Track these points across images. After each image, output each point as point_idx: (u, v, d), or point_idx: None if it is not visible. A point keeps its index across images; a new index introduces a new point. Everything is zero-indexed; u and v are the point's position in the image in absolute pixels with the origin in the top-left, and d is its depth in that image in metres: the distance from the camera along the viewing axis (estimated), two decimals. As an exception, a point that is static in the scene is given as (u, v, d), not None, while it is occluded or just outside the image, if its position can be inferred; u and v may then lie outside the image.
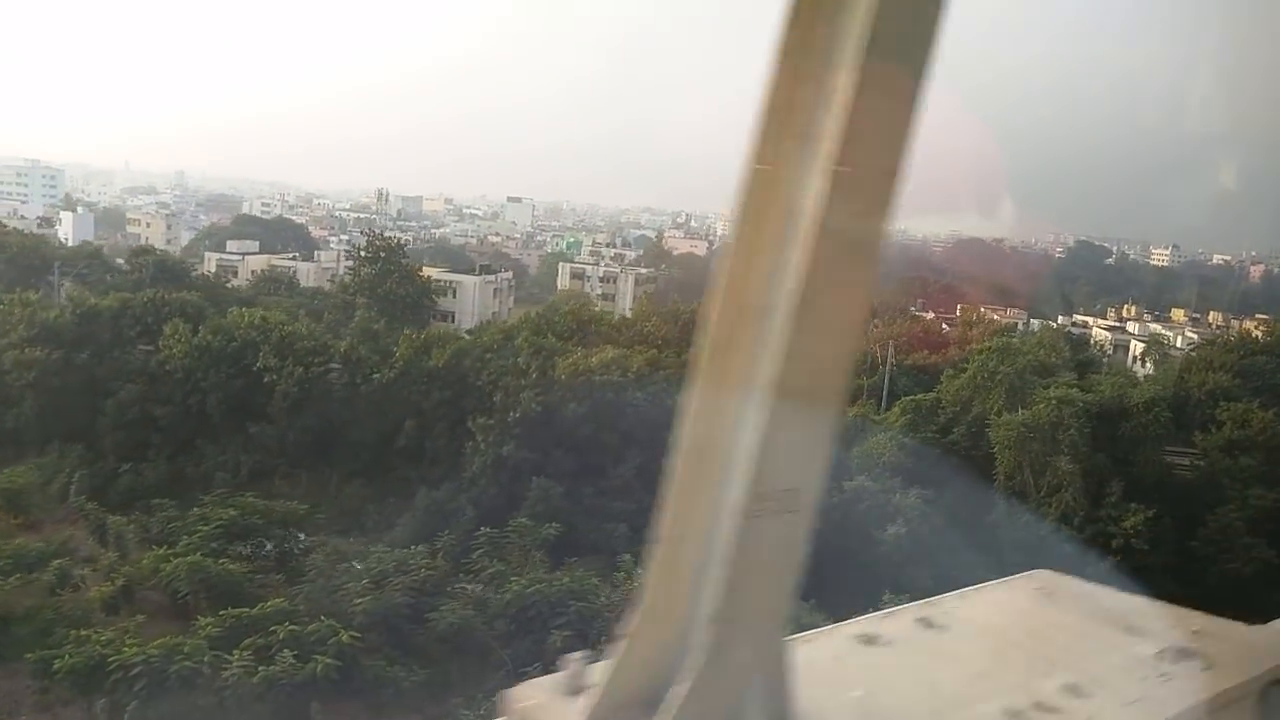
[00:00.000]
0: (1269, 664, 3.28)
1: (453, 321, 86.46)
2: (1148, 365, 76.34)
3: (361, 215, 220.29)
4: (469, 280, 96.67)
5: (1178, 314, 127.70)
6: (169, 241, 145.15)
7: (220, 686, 21.88)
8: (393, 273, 68.78)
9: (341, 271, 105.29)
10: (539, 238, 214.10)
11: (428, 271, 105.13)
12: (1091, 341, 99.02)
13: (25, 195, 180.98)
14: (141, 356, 49.69)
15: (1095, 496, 44.15)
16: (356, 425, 49.14)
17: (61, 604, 27.36)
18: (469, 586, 30.61)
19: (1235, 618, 3.77)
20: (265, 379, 47.21)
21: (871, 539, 44.19)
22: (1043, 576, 4.15)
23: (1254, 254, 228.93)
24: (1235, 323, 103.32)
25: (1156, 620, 3.49)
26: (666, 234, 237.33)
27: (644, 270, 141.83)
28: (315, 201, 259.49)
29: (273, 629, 23.71)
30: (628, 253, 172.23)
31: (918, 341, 70.17)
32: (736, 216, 2.28)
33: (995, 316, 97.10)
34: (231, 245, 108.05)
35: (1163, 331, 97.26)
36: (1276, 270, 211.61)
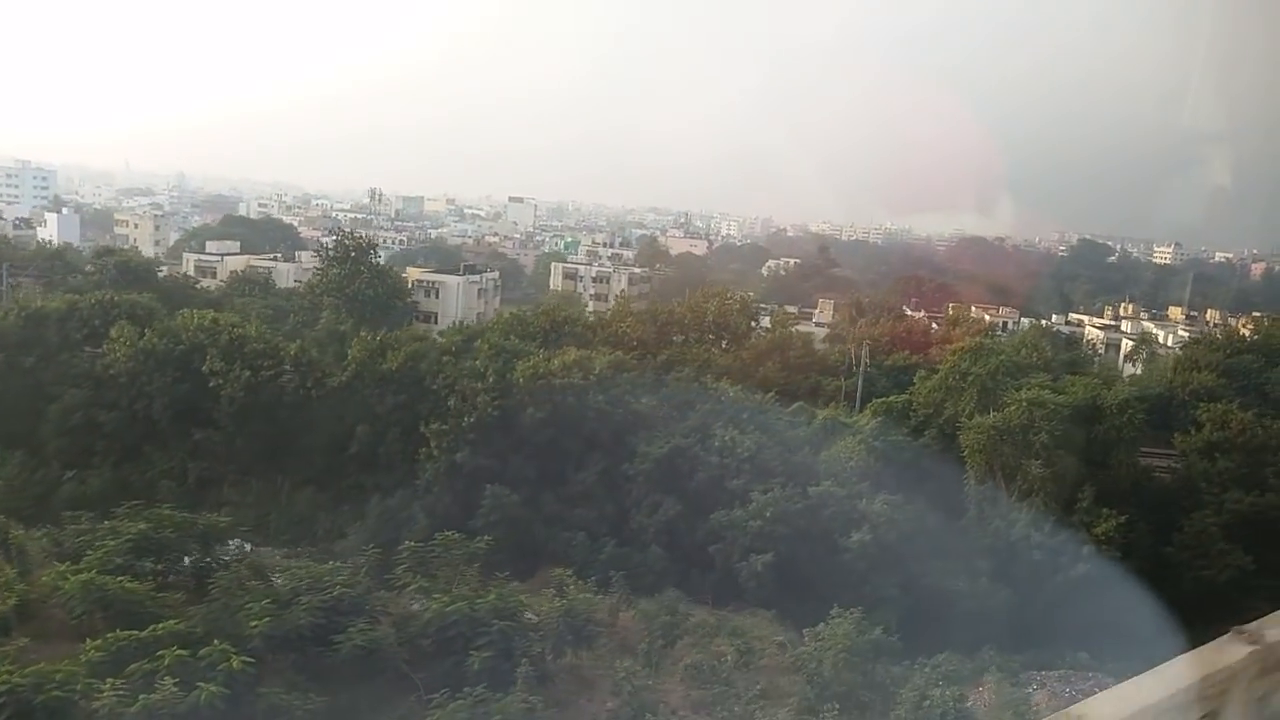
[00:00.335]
0: None
1: (435, 322, 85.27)
2: (1136, 365, 74.75)
3: (359, 216, 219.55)
4: (452, 280, 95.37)
5: (1175, 312, 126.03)
6: (157, 243, 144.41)
7: (92, 718, 20.43)
8: (362, 273, 67.39)
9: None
10: (539, 238, 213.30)
11: (412, 272, 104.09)
12: (1084, 340, 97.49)
13: (16, 196, 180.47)
14: (88, 360, 48.39)
15: (1067, 501, 42.60)
16: (308, 431, 47.76)
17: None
18: (391, 604, 29.10)
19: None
20: (211, 383, 45.83)
21: (835, 546, 42.68)
22: None
23: (1255, 251, 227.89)
24: (1232, 320, 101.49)
25: None
26: (668, 233, 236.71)
27: (637, 270, 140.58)
28: (314, 202, 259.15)
29: (160, 653, 22.23)
30: (626, 253, 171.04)
31: (901, 341, 68.67)
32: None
33: (986, 316, 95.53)
34: (211, 246, 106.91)
35: (1155, 330, 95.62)
36: (1278, 268, 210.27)
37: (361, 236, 73.30)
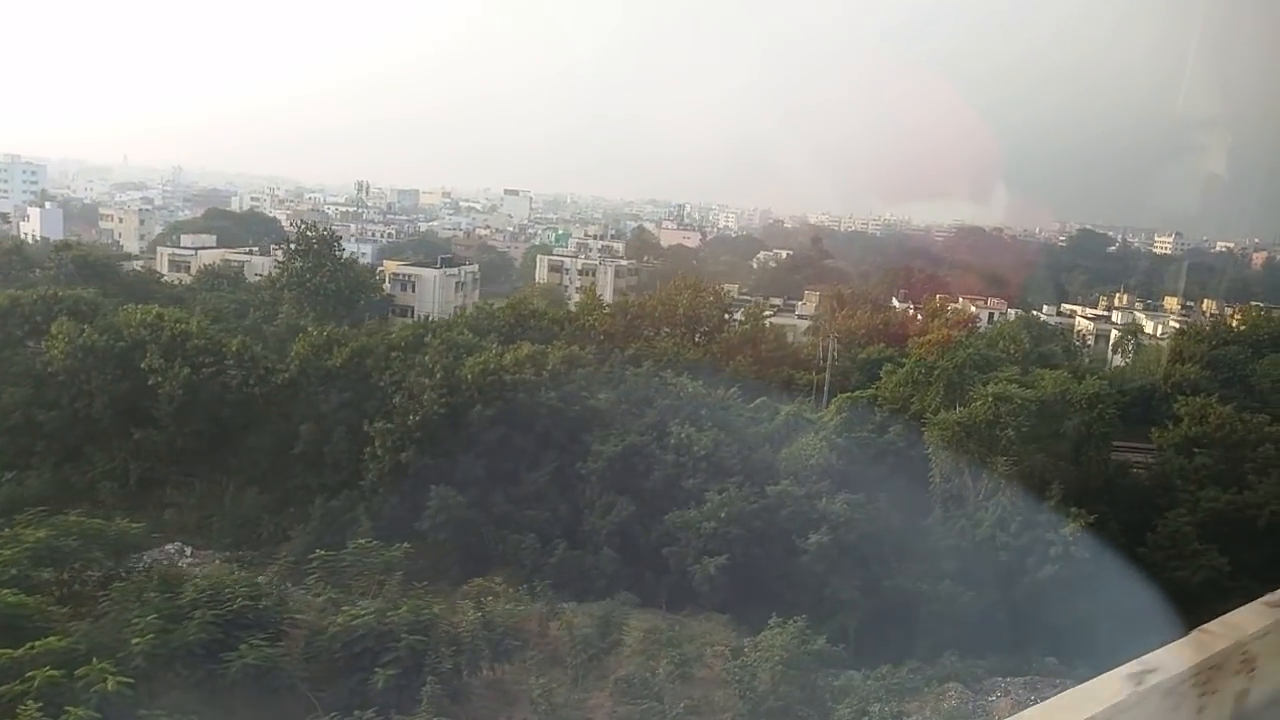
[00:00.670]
0: None
1: (412, 316, 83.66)
2: (1123, 356, 72.90)
3: (351, 209, 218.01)
4: (428, 274, 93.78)
5: (1171, 302, 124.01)
6: (142, 237, 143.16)
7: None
8: (325, 266, 65.71)
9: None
10: (531, 230, 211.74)
11: (389, 265, 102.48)
12: (1075, 332, 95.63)
13: (5, 191, 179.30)
14: (28, 357, 46.86)
15: (1036, 500, 40.88)
16: (253, 430, 46.29)
17: None
18: (302, 616, 27.47)
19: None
20: (150, 381, 44.26)
21: (792, 549, 41.06)
22: None
23: (1257, 240, 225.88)
24: (1230, 311, 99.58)
25: None
26: (662, 225, 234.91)
27: (624, 262, 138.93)
28: (307, 196, 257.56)
29: (31, 674, 20.65)
30: (617, 245, 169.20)
31: (878, 334, 66.88)
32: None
33: (973, 307, 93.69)
34: (186, 240, 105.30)
35: (1145, 321, 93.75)
36: (1279, 257, 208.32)
37: (326, 229, 71.36)
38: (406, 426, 43.36)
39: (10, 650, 22.03)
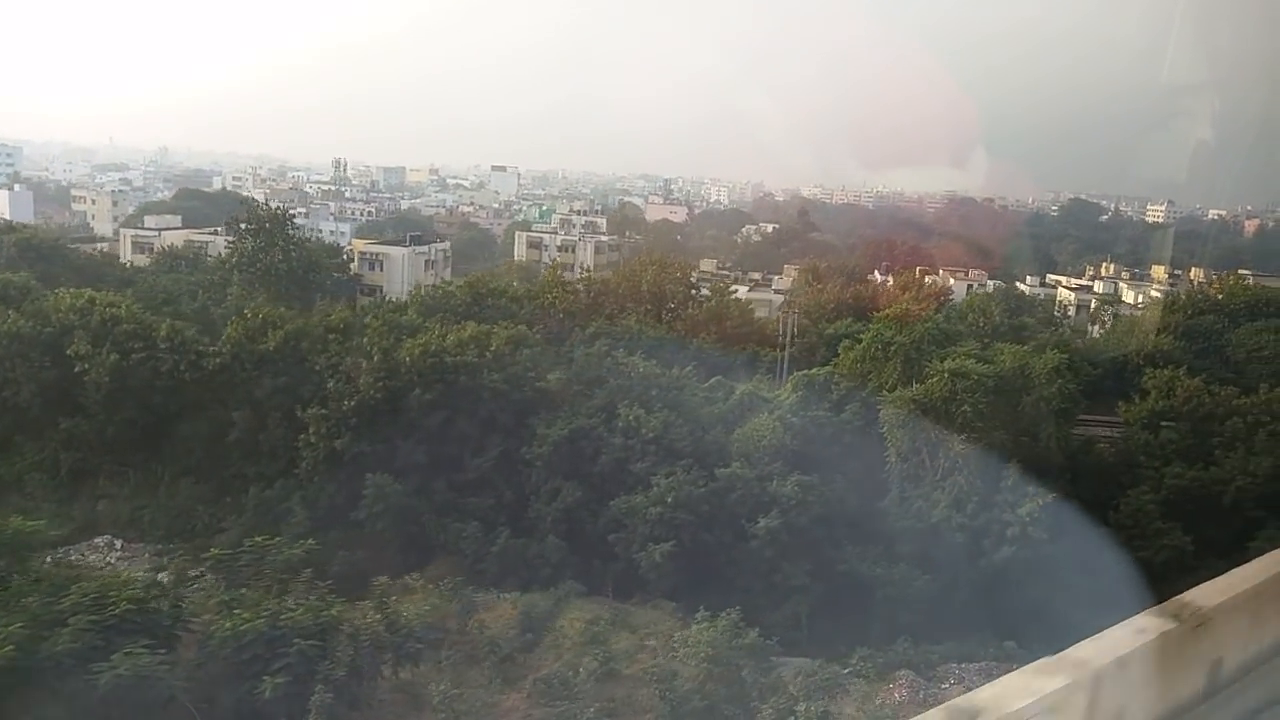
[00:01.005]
0: None
1: (380, 295, 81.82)
2: (1100, 327, 71.19)
3: (333, 188, 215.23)
4: (396, 252, 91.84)
5: (1158, 271, 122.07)
6: (116, 219, 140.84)
7: None
8: (277, 246, 63.83)
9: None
10: (516, 206, 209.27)
11: (357, 244, 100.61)
12: (1056, 302, 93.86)
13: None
14: (-46, 346, 45.11)
15: (994, 479, 39.36)
16: (186, 417, 44.71)
17: None
18: (196, 620, 25.90)
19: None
20: (77, 368, 42.60)
21: (743, 533, 39.57)
22: None
23: (1249, 208, 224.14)
24: (1214, 279, 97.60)
25: None
26: (649, 200, 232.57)
27: (604, 238, 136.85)
28: (290, 174, 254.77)
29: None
30: (602, 220, 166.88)
31: (848, 308, 65.12)
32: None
33: (951, 279, 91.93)
34: (150, 221, 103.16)
35: (1126, 290, 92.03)
36: (1270, 224, 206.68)
37: (277, 209, 69.36)
38: (342, 412, 41.77)
39: None
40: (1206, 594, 3.82)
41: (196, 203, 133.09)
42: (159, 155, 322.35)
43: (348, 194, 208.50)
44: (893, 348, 43.43)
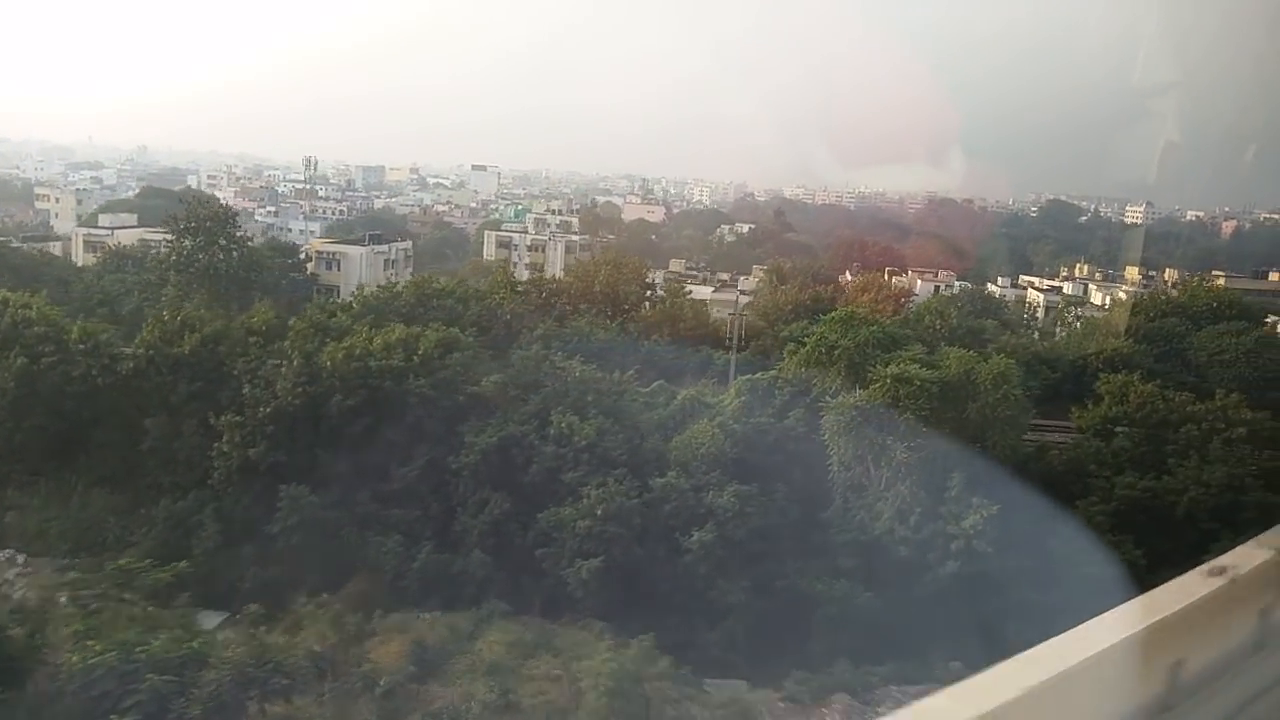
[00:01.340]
0: None
1: (337, 296, 79.77)
2: (1064, 329, 69.67)
3: (306, 186, 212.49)
4: (354, 251, 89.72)
5: (1132, 272, 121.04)
6: (79, 217, 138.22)
7: None
8: (218, 245, 61.81)
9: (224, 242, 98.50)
10: (493, 205, 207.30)
11: (314, 243, 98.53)
12: (1026, 304, 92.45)
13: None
14: None
15: (938, 490, 37.70)
16: (101, 424, 42.65)
17: None
18: (51, 652, 23.93)
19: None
20: (-21, 373, 40.56)
21: (675, 548, 37.79)
22: None
23: (1227, 209, 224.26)
24: (1187, 280, 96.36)
25: None
26: (626, 199, 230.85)
27: (575, 237, 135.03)
28: (266, 173, 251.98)
29: None
30: (576, 220, 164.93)
31: (806, 310, 63.39)
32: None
33: (919, 281, 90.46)
34: (105, 219, 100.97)
35: (1095, 291, 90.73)
36: (1247, 226, 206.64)
37: (220, 206, 67.27)
38: (258, 419, 39.85)
39: None
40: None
41: (160, 201, 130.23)
42: (137, 154, 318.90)
43: (322, 193, 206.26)
44: (836, 351, 41.72)
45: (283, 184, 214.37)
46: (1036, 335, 73.83)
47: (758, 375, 44.91)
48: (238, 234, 65.11)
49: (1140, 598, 3.71)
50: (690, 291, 69.47)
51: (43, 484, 42.56)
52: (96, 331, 42.81)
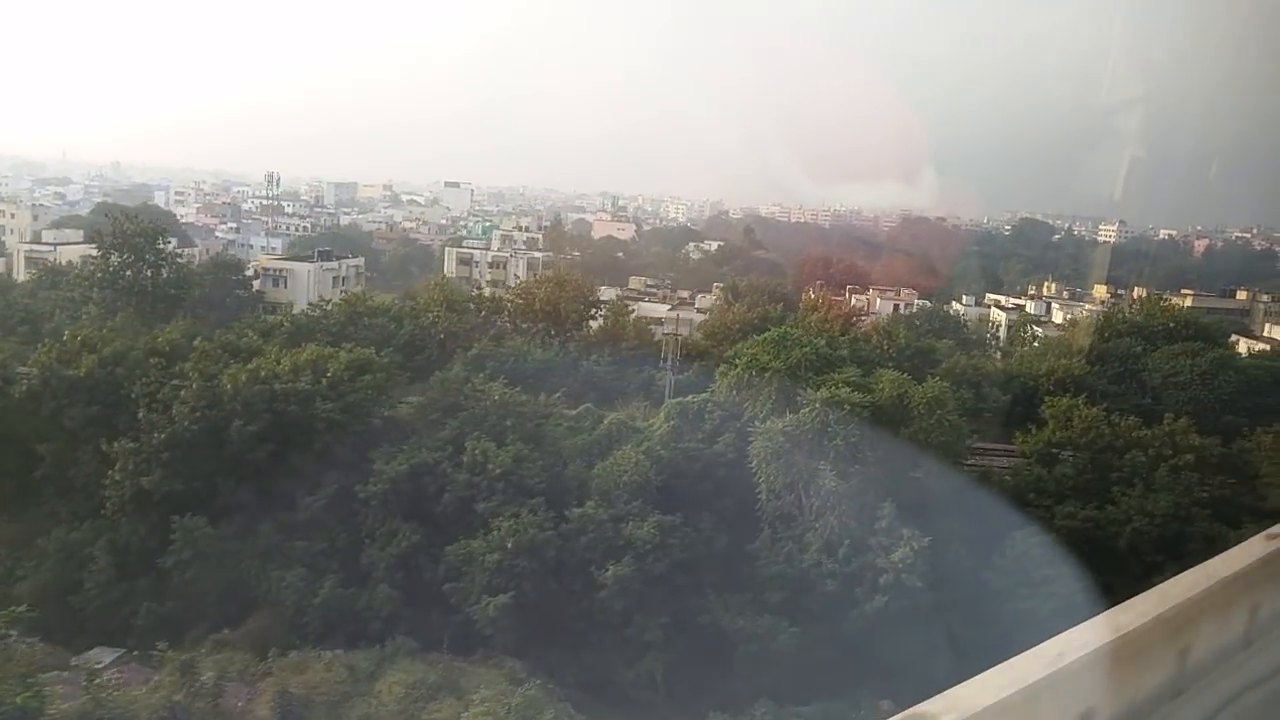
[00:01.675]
0: None
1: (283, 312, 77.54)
2: (1019, 349, 67.99)
3: (273, 203, 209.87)
4: (301, 268, 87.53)
5: (1100, 290, 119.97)
6: (37, 234, 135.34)
7: None
8: (146, 261, 59.54)
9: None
10: (463, 222, 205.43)
11: (262, 259, 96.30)
12: (989, 323, 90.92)
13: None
14: None
15: (868, 520, 35.75)
16: (-6, 450, 40.22)
17: None
18: None
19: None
20: None
21: (591, 582, 35.71)
22: None
23: (1199, 228, 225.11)
24: (1150, 298, 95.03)
25: None
26: (597, 216, 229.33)
27: (538, 254, 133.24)
28: (234, 189, 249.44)
29: None
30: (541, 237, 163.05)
31: (754, 328, 61.42)
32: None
33: (879, 299, 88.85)
34: (49, 236, 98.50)
35: (1057, 310, 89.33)
36: (1219, 245, 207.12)
37: (146, 222, 65.00)
38: (153, 445, 37.56)
39: None
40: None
41: (139, 218, 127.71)
42: (109, 170, 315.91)
43: (289, 209, 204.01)
44: (768, 373, 39.80)
45: (250, 201, 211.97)
46: (999, 355, 72.25)
47: (689, 398, 42.93)
48: (166, 250, 62.70)
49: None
50: (634, 310, 67.48)
51: (-70, 514, 40.20)
52: (-13, 352, 40.49)
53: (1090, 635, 3.33)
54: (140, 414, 37.99)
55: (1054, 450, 40.64)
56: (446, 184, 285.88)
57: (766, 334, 45.09)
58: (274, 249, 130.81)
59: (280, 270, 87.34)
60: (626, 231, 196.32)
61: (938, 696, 2.86)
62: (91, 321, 54.59)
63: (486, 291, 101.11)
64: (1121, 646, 3.36)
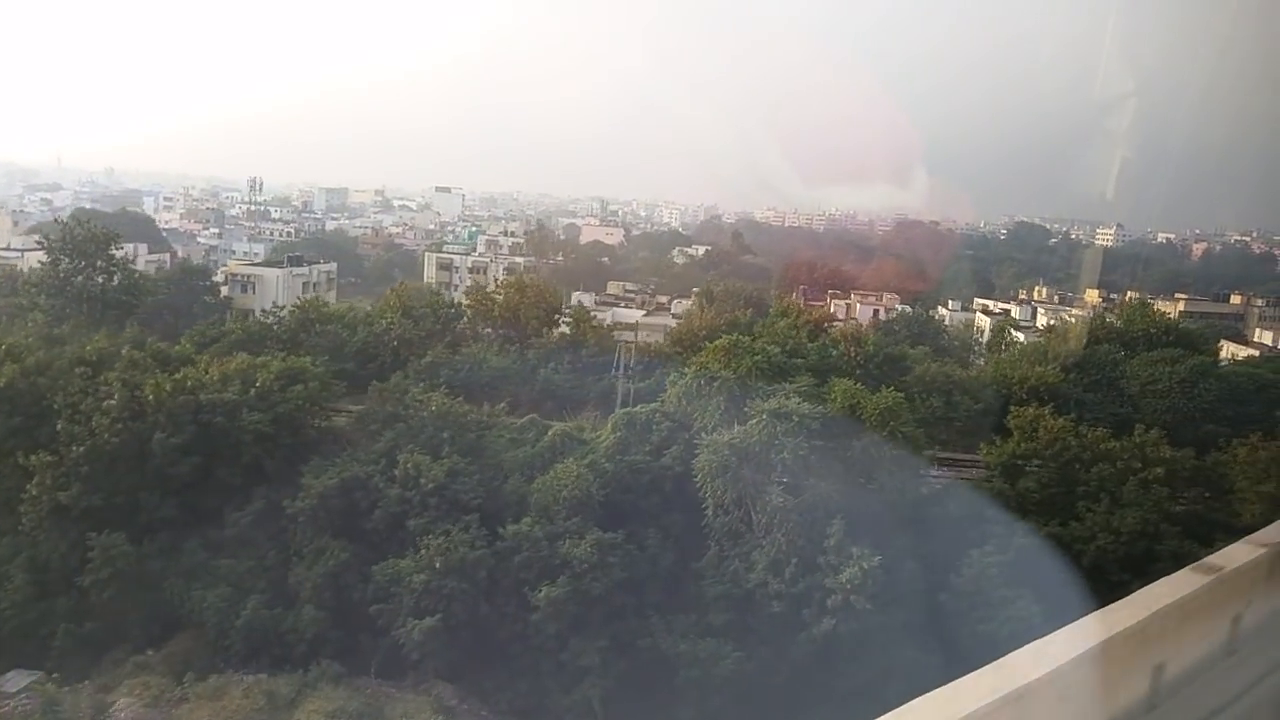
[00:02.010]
0: None
1: (251, 319, 75.77)
2: (993, 355, 65.98)
3: (259, 208, 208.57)
4: (270, 273, 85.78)
5: (1091, 295, 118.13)
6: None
7: None
8: (95, 267, 57.79)
9: (141, 265, 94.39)
10: (451, 228, 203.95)
11: (231, 264, 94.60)
12: (974, 328, 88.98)
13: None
14: None
15: (817, 538, 33.89)
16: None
17: None
18: None
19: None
20: None
21: (523, 603, 33.88)
22: None
23: (1197, 232, 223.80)
24: (1131, 302, 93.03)
25: None
26: (586, 221, 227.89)
27: (519, 259, 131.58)
28: (223, 195, 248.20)
29: None
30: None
31: (723, 335, 59.59)
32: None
33: (859, 304, 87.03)
34: (16, 242, 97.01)
35: (1042, 315, 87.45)
36: (1217, 248, 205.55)
37: (98, 228, 63.17)
38: (73, 458, 35.76)
39: None
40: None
41: (91, 223, 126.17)
42: (103, 176, 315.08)
43: (276, 214, 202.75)
44: (717, 383, 37.97)
45: (237, 206, 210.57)
46: (982, 361, 70.32)
47: (638, 408, 41.11)
48: (118, 256, 60.89)
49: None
50: (608, 316, 65.64)
51: None
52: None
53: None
54: (60, 425, 36.15)
55: (1019, 463, 38.76)
56: (438, 189, 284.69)
57: (717, 342, 43.26)
58: (256, 254, 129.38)
59: (249, 276, 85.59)
60: (615, 236, 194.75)
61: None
62: (37, 329, 52.80)
63: (461, 298, 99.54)
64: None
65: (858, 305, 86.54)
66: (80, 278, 56.92)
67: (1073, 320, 69.29)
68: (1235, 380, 51.63)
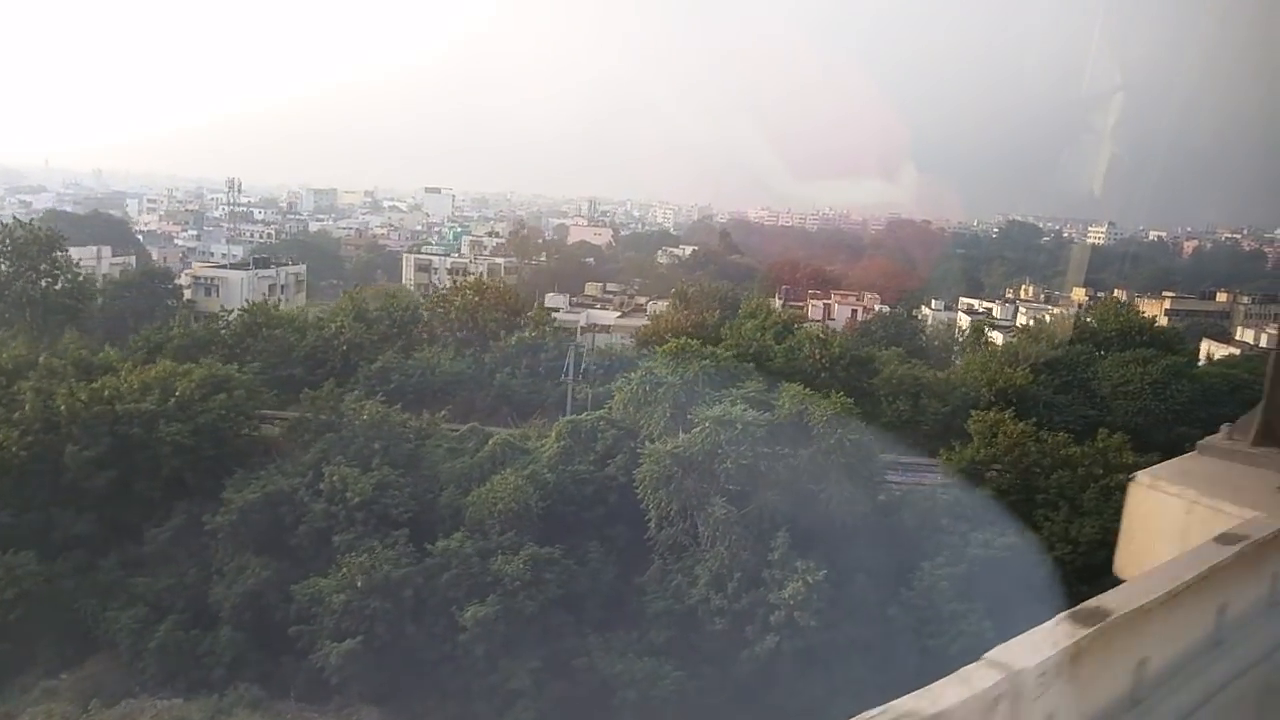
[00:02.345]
0: None
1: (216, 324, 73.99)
2: (965, 355, 64.27)
3: (241, 209, 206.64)
4: (234, 276, 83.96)
5: (1078, 293, 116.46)
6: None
7: None
8: (36, 270, 56.01)
9: (105, 269, 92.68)
10: (439, 228, 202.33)
11: (196, 267, 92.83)
12: (956, 328, 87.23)
13: None
14: None
15: (761, 551, 32.20)
16: None
17: None
18: None
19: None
20: None
21: (452, 623, 32.12)
22: None
23: (1189, 229, 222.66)
24: (1105, 300, 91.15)
25: None
26: (574, 221, 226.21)
27: (500, 260, 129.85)
28: (209, 196, 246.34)
29: None
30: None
31: (688, 337, 57.81)
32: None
33: (837, 304, 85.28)
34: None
35: (1022, 314, 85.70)
36: (1208, 246, 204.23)
37: (42, 229, 61.41)
38: (-25, 474, 34.02)
39: None
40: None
41: (62, 225, 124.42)
42: (89, 178, 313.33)
43: (260, 215, 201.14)
44: (662, 389, 36.23)
45: (220, 208, 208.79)
46: (959, 362, 68.58)
47: (583, 415, 39.38)
48: (62, 259, 59.08)
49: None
50: (555, 318, 63.81)
51: None
52: None
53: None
54: (-37, 439, 34.42)
55: (978, 469, 37.06)
56: (427, 190, 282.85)
57: (665, 346, 41.54)
58: (235, 256, 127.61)
59: (212, 279, 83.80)
60: (602, 236, 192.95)
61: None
62: (-27, 335, 51.14)
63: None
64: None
65: (836, 305, 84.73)
66: (20, 282, 55.07)
67: (1048, 319, 67.50)
68: (1209, 381, 49.97)
